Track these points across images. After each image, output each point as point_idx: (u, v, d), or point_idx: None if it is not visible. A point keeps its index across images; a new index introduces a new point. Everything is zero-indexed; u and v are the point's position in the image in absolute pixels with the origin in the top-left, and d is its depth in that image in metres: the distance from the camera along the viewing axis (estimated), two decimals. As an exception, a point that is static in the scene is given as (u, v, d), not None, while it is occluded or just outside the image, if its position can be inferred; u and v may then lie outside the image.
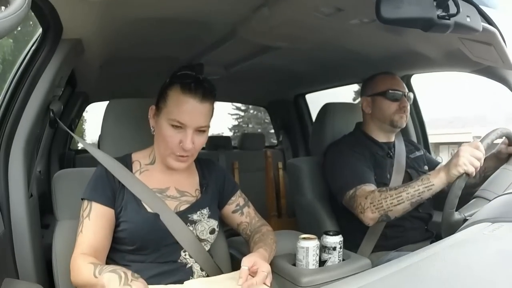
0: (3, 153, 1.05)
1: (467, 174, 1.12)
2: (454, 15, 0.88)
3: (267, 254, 1.00)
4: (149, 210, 1.00)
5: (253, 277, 0.89)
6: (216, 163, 1.21)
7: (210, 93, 1.01)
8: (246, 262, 0.91)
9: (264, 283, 0.89)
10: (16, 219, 1.04)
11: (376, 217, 1.23)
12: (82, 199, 1.00)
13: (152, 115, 1.05)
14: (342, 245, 1.17)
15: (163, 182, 1.07)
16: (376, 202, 1.22)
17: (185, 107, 0.97)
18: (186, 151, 0.99)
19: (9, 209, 1.03)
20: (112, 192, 1.00)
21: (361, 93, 1.58)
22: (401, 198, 1.19)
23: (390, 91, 1.47)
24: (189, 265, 1.03)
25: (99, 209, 0.98)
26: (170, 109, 0.98)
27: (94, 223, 0.97)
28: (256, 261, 0.91)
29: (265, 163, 3.13)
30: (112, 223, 1.00)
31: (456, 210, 1.11)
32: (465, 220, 1.07)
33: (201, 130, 1.01)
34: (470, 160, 1.11)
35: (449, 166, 1.15)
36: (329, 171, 1.48)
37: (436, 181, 1.16)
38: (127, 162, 1.07)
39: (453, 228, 1.09)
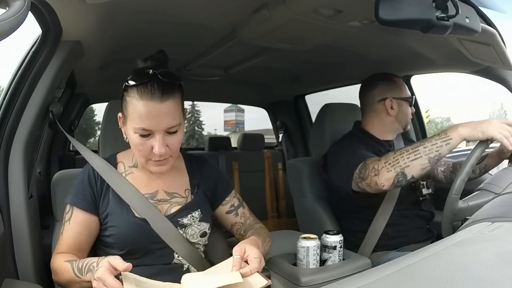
0: (3, 154, 1.05)
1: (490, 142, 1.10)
2: (453, 16, 0.88)
3: (259, 241, 0.97)
4: (136, 214, 0.98)
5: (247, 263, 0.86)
6: (209, 161, 1.15)
7: (171, 87, 0.92)
8: (237, 251, 0.87)
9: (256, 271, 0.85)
10: (16, 220, 1.04)
11: (391, 176, 1.14)
12: (65, 202, 1.01)
13: (122, 122, 0.99)
14: (342, 244, 1.17)
15: (151, 186, 1.03)
16: (391, 160, 1.15)
17: (146, 112, 0.89)
18: (162, 155, 0.94)
19: (9, 210, 1.04)
20: (93, 198, 0.99)
21: (377, 92, 1.50)
22: (418, 152, 1.13)
23: (412, 98, 1.53)
24: (186, 266, 1.02)
25: (79, 215, 0.98)
26: (132, 117, 0.91)
27: (73, 228, 0.98)
28: (246, 248, 0.88)
29: (264, 164, 3.14)
30: (93, 229, 1.00)
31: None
32: (464, 220, 1.07)
33: (172, 130, 0.93)
34: (503, 128, 1.08)
35: (473, 126, 1.11)
36: (334, 166, 1.44)
37: (454, 135, 1.11)
38: (111, 163, 1.04)
39: (456, 216, 1.07)
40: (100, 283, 0.77)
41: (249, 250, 0.87)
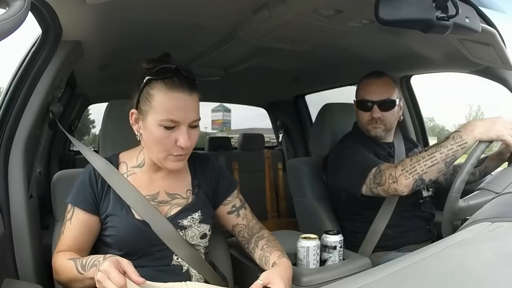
0: (3, 154, 1.05)
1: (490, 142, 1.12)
2: (453, 16, 0.88)
3: (290, 270, 0.95)
4: (136, 216, 0.98)
5: None
6: (212, 160, 1.15)
7: (194, 82, 0.95)
8: (264, 278, 0.87)
9: None
10: (16, 220, 1.04)
11: (410, 183, 1.17)
12: (66, 202, 1.01)
13: (134, 120, 0.98)
14: (342, 244, 1.17)
15: (152, 187, 1.03)
16: (409, 167, 1.18)
17: (175, 103, 0.91)
18: (184, 149, 0.94)
19: (9, 210, 1.04)
20: (93, 198, 0.99)
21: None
22: (435, 158, 1.15)
23: (362, 101, 1.44)
24: (185, 268, 1.01)
25: (80, 215, 0.98)
26: (158, 110, 0.91)
27: (74, 228, 0.98)
28: (275, 281, 0.86)
29: (264, 164, 3.14)
30: (94, 229, 0.99)
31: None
32: (464, 220, 1.07)
33: (194, 125, 0.95)
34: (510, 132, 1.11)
35: (487, 127, 1.12)
36: (336, 168, 1.44)
37: (469, 138, 1.13)
38: (113, 163, 1.03)
39: (456, 216, 1.08)
40: (105, 275, 0.76)
41: (276, 283, 0.86)
